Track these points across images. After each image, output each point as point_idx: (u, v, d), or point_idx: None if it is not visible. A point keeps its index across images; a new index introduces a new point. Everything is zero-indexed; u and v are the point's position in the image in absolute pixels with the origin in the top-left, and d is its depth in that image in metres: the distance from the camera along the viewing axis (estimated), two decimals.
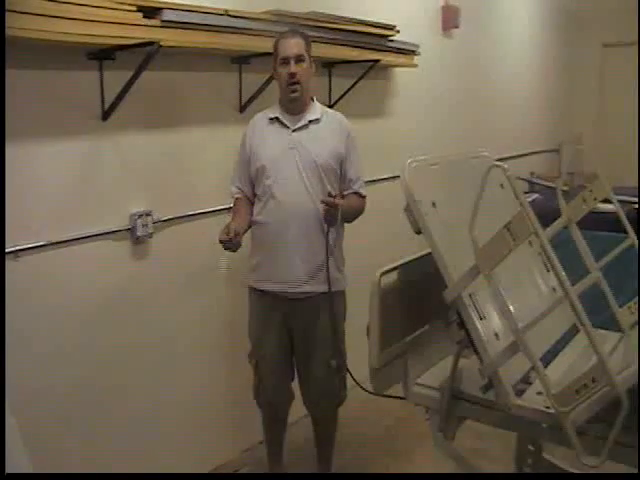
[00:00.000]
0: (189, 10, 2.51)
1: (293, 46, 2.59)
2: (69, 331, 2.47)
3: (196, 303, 2.95)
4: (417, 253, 2.23)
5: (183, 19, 2.48)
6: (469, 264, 1.84)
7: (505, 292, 1.84)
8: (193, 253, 2.91)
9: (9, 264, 2.21)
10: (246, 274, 2.77)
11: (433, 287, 1.98)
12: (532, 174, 5.94)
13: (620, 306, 2.26)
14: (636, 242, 2.29)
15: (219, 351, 3.10)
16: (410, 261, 2.25)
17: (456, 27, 4.66)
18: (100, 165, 2.53)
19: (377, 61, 3.60)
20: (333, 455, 2.97)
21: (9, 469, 1.53)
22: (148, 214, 2.67)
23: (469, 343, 1.93)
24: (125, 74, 2.44)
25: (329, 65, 3.52)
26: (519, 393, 1.95)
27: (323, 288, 2.64)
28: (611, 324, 2.29)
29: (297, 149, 2.62)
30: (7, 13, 1.92)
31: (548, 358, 2.12)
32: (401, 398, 2.25)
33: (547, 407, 1.83)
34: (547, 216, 2.12)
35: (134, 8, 2.35)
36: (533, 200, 4.48)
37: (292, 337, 2.74)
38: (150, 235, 2.69)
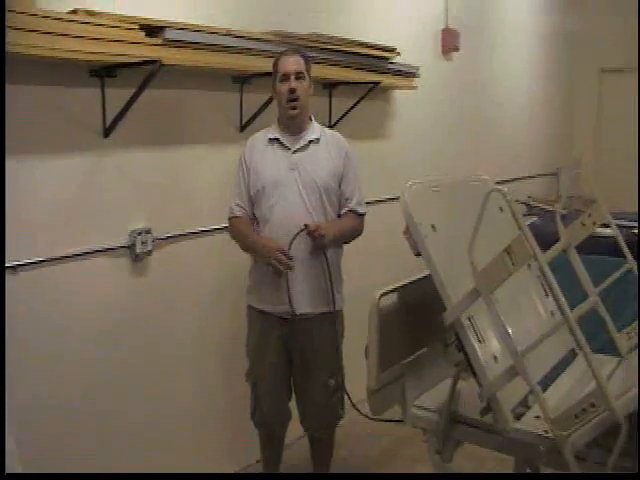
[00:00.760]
0: (191, 29, 2.53)
1: (293, 63, 2.61)
2: (68, 347, 2.45)
3: (195, 320, 2.94)
4: (417, 275, 2.24)
5: (185, 38, 2.50)
6: (468, 287, 1.84)
7: (504, 315, 1.84)
8: (192, 271, 2.91)
9: (8, 279, 2.20)
10: (245, 294, 2.77)
11: (432, 309, 1.98)
12: (529, 197, 5.94)
13: (618, 330, 2.26)
14: (635, 267, 2.30)
15: (217, 369, 3.09)
16: (409, 283, 2.25)
17: (456, 50, 4.70)
18: (100, 182, 2.54)
19: (378, 83, 3.63)
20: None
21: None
22: (148, 231, 2.67)
23: (467, 366, 1.93)
24: (127, 91, 2.45)
25: (330, 86, 3.54)
26: (517, 417, 1.94)
27: (322, 308, 2.64)
28: (609, 348, 2.29)
29: (297, 170, 2.62)
30: (12, 30, 1.93)
31: (546, 382, 2.12)
32: (398, 421, 2.24)
33: (545, 431, 1.83)
34: (545, 239, 2.12)
35: (137, 26, 2.37)
36: (531, 223, 4.48)
37: (290, 357, 2.72)
38: (149, 252, 2.69)
